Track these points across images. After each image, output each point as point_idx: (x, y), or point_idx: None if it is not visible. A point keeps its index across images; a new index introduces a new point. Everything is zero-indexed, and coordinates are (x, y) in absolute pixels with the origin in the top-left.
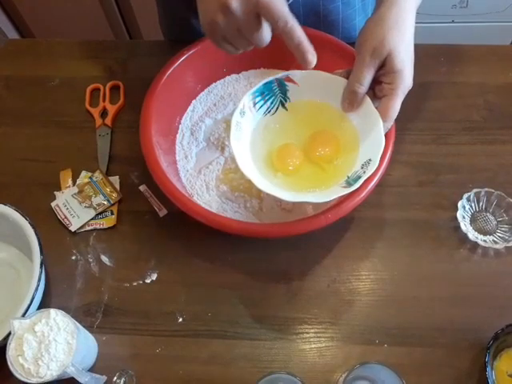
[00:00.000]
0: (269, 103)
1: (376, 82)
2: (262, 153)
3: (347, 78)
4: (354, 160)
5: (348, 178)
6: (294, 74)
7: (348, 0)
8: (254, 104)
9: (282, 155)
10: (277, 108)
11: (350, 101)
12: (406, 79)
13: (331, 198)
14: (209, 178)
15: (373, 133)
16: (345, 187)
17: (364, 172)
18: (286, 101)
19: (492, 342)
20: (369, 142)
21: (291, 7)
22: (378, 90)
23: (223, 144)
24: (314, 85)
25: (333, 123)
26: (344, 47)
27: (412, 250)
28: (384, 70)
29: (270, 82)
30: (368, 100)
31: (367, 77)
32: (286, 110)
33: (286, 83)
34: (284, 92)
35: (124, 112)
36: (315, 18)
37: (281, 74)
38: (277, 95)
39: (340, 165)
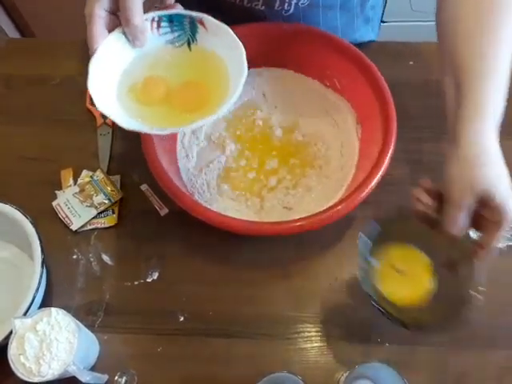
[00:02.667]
0: (176, 34)
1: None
2: (135, 81)
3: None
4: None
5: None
6: (208, 19)
7: (347, 6)
8: (159, 25)
9: (146, 84)
10: (182, 44)
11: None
12: (509, 213)
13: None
14: (210, 176)
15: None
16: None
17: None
18: (193, 41)
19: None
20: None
21: (291, 19)
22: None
23: (224, 143)
24: (220, 38)
25: (215, 75)
26: (343, 44)
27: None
28: (485, 207)
29: (182, 16)
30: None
31: (462, 219)
32: (190, 50)
33: (198, 25)
34: (193, 32)
35: None
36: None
37: (196, 14)
38: (186, 32)
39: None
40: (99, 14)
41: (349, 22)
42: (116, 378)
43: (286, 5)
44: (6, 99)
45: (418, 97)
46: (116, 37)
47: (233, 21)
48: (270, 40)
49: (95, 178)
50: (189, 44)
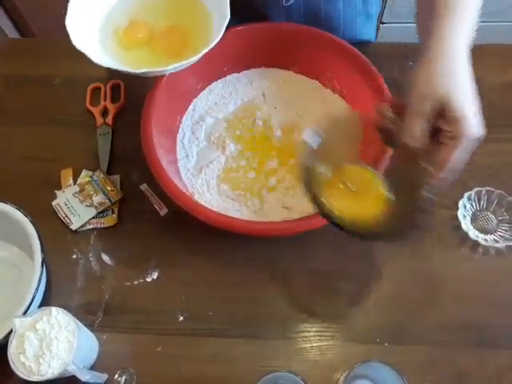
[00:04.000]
0: None
1: (437, 130)
2: (118, 23)
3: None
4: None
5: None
6: None
7: (349, 0)
8: None
9: (129, 28)
10: None
11: (404, 155)
12: (468, 128)
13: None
14: (209, 176)
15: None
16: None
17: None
18: None
19: None
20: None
21: (292, 8)
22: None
23: (224, 143)
24: None
25: (198, 20)
26: (343, 44)
27: (413, 248)
28: (443, 118)
29: None
30: None
31: (418, 127)
32: None
33: None
34: None
35: (125, 111)
36: (316, 20)
37: None
38: None
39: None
40: None
41: (351, 19)
42: (115, 377)
43: None
44: (6, 99)
45: None
46: None
47: (232, 10)
48: (269, 40)
49: (95, 177)
50: None
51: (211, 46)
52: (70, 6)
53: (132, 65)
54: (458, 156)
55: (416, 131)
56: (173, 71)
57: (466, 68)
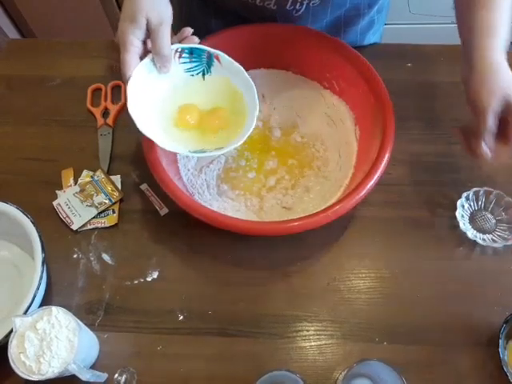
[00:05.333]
0: (193, 65)
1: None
2: (171, 108)
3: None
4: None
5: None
6: (224, 57)
7: (355, 5)
8: (180, 55)
9: (183, 112)
10: (197, 73)
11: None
12: None
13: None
14: (209, 176)
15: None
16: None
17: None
18: (207, 72)
19: (504, 325)
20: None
21: (301, 18)
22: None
23: None
24: (233, 73)
25: (232, 102)
26: (342, 45)
27: (411, 248)
28: (506, 111)
29: (202, 50)
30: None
31: (492, 120)
32: (204, 79)
33: (214, 59)
34: (209, 65)
35: (125, 112)
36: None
37: (214, 50)
38: (203, 63)
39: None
40: (133, 43)
41: (354, 23)
42: (116, 376)
43: (298, 4)
44: (7, 100)
45: (416, 98)
46: (146, 64)
47: (243, 19)
48: (269, 41)
49: (96, 177)
50: (203, 74)
51: (248, 133)
52: (129, 97)
53: (190, 146)
54: None
55: (490, 125)
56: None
57: (506, 64)
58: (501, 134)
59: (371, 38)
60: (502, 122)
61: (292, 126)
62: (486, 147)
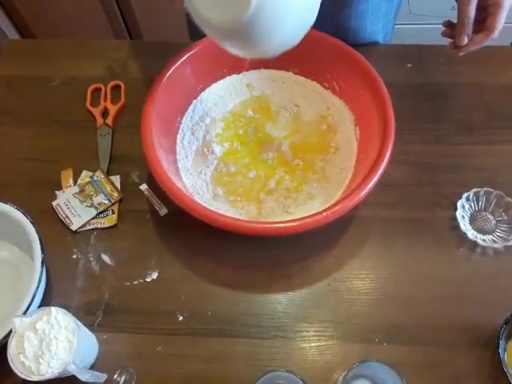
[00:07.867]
0: None
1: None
2: None
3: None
4: None
5: None
6: None
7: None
8: None
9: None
10: None
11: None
12: None
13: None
14: (209, 177)
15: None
16: None
17: None
18: None
19: (504, 326)
20: None
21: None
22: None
23: (223, 144)
24: None
25: None
26: (342, 46)
27: (411, 249)
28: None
29: None
30: None
31: (473, 11)
32: None
33: None
34: None
35: (125, 112)
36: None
37: None
38: None
39: None
40: None
41: (361, 16)
42: (115, 376)
43: None
44: (6, 100)
45: (416, 99)
46: None
47: None
48: None
49: (95, 178)
50: None
51: None
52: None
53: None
54: (503, 16)
55: (472, 13)
56: None
57: None
58: (480, 24)
59: (378, 35)
60: (481, 12)
61: (292, 126)
62: (466, 36)
